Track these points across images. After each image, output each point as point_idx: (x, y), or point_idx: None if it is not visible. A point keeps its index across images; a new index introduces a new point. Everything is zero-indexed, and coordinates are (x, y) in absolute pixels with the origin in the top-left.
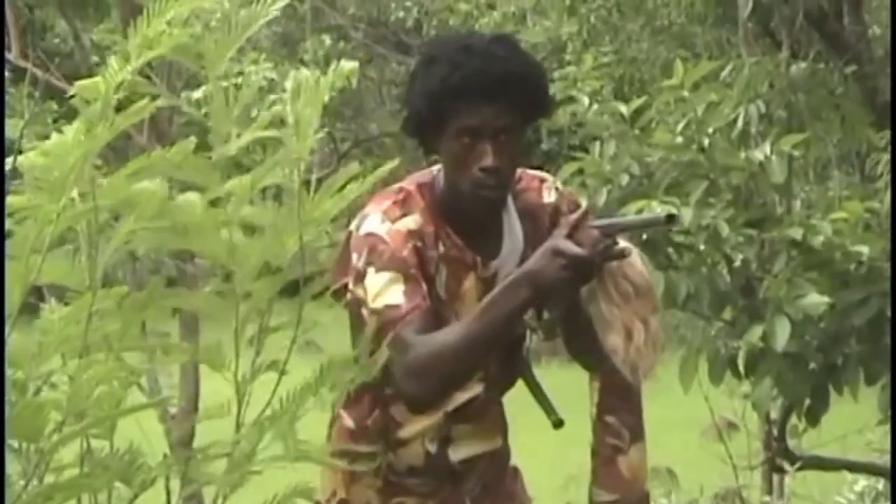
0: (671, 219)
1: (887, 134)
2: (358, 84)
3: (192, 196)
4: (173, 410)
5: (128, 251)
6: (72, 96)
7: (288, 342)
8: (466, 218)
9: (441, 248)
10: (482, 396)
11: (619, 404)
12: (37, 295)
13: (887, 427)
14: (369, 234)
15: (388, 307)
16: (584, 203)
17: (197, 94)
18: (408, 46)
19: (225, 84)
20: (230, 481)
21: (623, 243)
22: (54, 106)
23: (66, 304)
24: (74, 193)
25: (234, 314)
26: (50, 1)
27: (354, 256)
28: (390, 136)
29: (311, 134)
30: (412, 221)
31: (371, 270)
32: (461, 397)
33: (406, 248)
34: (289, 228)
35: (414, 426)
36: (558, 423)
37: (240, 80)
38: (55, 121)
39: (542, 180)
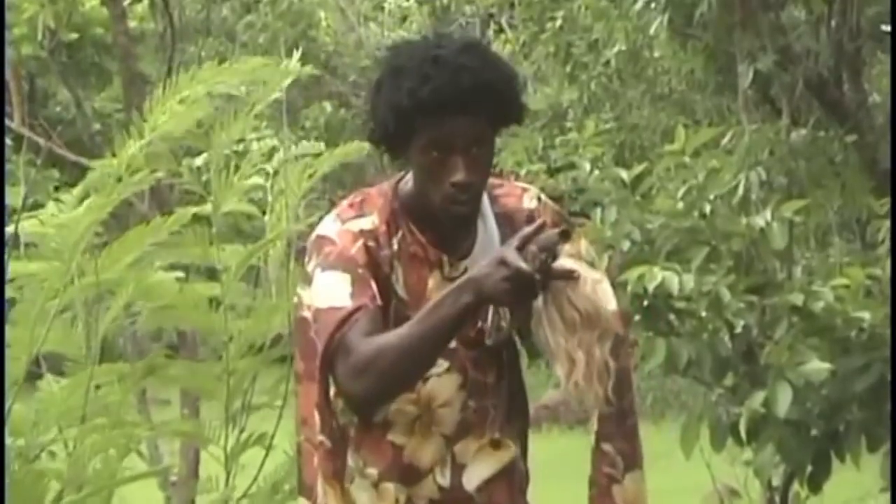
0: (564, 235)
1: (887, 201)
2: None
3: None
4: (174, 478)
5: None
6: (75, 164)
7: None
8: (434, 218)
9: (395, 246)
10: (472, 405)
11: (614, 431)
12: (34, 363)
13: (889, 494)
14: (319, 237)
15: (333, 309)
16: (565, 215)
17: (198, 161)
18: None
19: (226, 152)
20: None
21: (585, 270)
22: (56, 174)
23: (62, 374)
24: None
25: (225, 390)
26: (52, 69)
27: (306, 260)
28: None
29: (292, 217)
30: (366, 222)
31: (318, 271)
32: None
33: (354, 246)
34: (276, 308)
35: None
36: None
37: (240, 147)
38: (56, 188)
39: (525, 189)
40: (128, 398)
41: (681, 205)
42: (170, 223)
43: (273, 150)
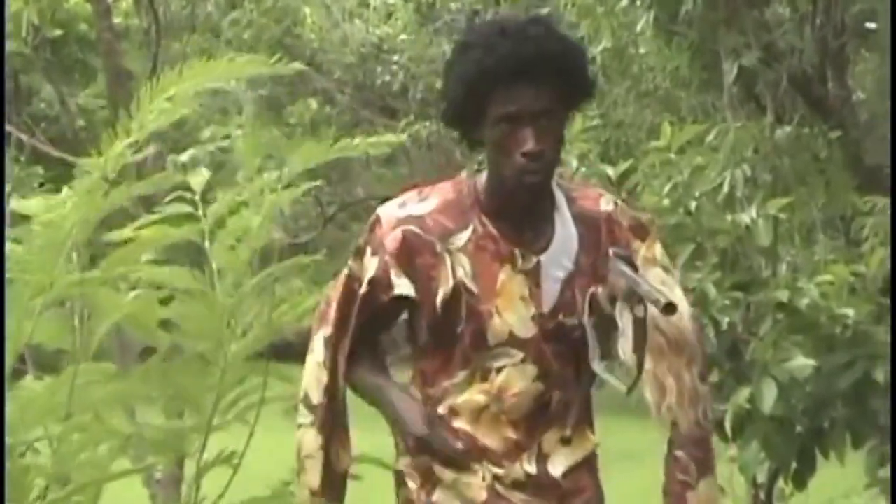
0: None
1: (871, 198)
2: None
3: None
4: (158, 476)
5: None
6: (59, 160)
7: (273, 409)
8: (508, 208)
9: (462, 240)
10: (556, 398)
11: (687, 439)
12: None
13: (873, 491)
14: (376, 215)
15: (364, 294)
16: (646, 221)
17: (183, 157)
18: (394, 110)
19: (211, 148)
20: None
21: (669, 288)
22: (40, 170)
23: (46, 370)
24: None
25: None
26: (36, 66)
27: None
28: (377, 200)
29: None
30: (421, 207)
31: (368, 251)
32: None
33: (391, 234)
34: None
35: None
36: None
37: (226, 143)
38: (41, 185)
39: (601, 193)
40: (114, 395)
41: (666, 201)
42: (160, 238)
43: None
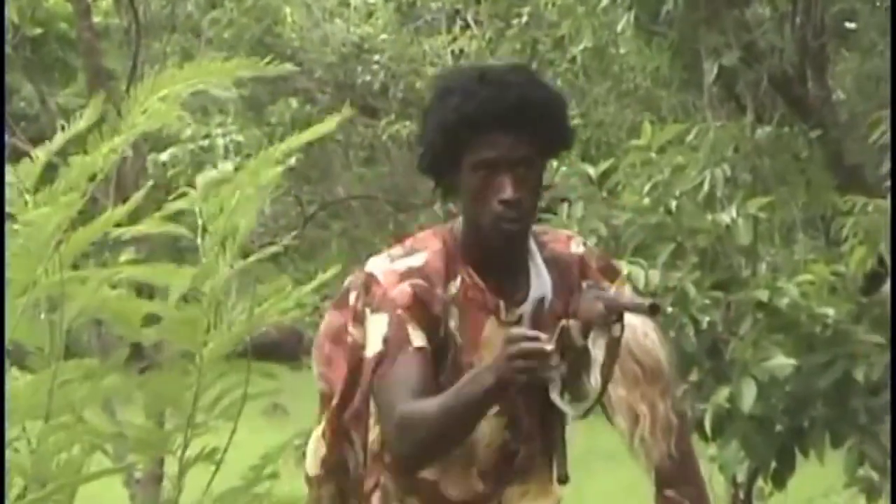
0: (654, 309)
1: (851, 198)
2: (325, 147)
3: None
4: (138, 475)
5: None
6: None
7: (255, 408)
8: (488, 258)
9: (453, 290)
10: (522, 452)
11: (676, 476)
12: None
13: (853, 490)
14: (367, 275)
15: (376, 354)
16: (613, 261)
17: (164, 156)
18: (374, 110)
19: (192, 146)
20: None
21: (638, 320)
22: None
23: (24, 367)
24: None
25: (190, 401)
26: (16, 65)
27: (352, 295)
28: (357, 199)
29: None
30: (418, 259)
31: (368, 312)
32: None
33: (397, 288)
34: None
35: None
36: (564, 479)
37: (206, 142)
38: None
39: (570, 236)
40: (93, 395)
41: (647, 201)
42: (128, 208)
43: (239, 144)
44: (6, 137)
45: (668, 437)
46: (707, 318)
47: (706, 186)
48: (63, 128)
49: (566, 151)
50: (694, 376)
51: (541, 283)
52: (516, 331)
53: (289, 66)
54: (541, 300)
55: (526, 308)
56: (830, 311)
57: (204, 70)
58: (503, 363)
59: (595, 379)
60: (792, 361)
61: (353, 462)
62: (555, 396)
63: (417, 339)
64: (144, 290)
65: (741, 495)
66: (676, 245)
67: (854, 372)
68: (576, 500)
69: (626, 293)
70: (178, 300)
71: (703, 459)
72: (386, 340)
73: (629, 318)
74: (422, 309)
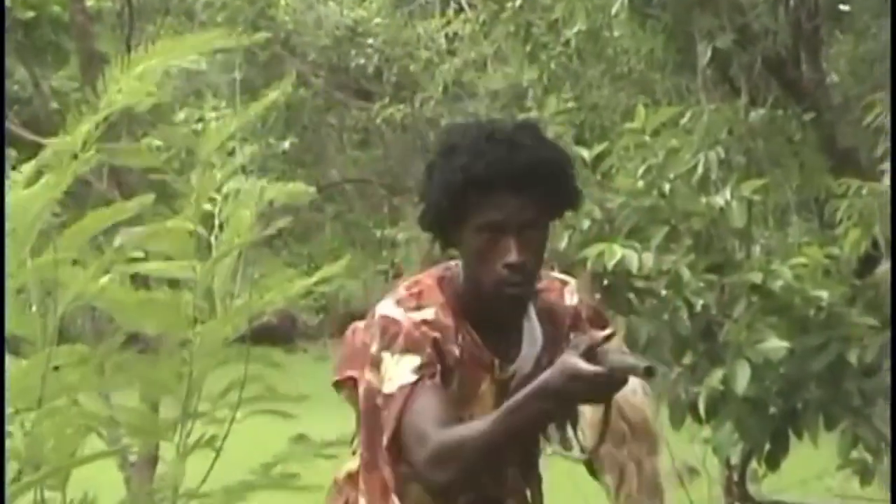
0: (649, 371)
1: (845, 180)
2: (318, 130)
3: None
4: (133, 458)
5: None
6: (32, 143)
7: (251, 392)
8: (487, 316)
9: (460, 346)
10: (491, 493)
11: None
12: None
13: (846, 472)
14: (384, 317)
15: (402, 388)
16: (603, 311)
17: (157, 140)
18: (368, 93)
19: (185, 131)
20: None
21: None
22: (13, 153)
23: (17, 353)
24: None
25: (184, 387)
26: (9, 48)
27: (370, 341)
28: (351, 183)
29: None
30: (429, 313)
31: (387, 355)
32: None
33: (420, 331)
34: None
35: None
36: None
37: (200, 126)
38: (14, 167)
39: (564, 283)
40: (87, 380)
41: (641, 184)
42: (131, 206)
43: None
44: None
45: (654, 498)
46: (701, 301)
47: (700, 169)
48: (56, 111)
49: (573, 211)
50: (688, 359)
51: (533, 339)
52: (583, 366)
53: (262, 35)
54: (530, 356)
55: (520, 365)
56: (824, 294)
57: (180, 45)
58: (569, 394)
59: (585, 435)
60: (786, 344)
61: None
62: (554, 447)
63: (439, 378)
64: (139, 277)
65: (735, 477)
66: (670, 228)
67: (847, 354)
68: None
69: (618, 352)
70: (170, 287)
71: (697, 441)
72: (415, 371)
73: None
74: (441, 358)
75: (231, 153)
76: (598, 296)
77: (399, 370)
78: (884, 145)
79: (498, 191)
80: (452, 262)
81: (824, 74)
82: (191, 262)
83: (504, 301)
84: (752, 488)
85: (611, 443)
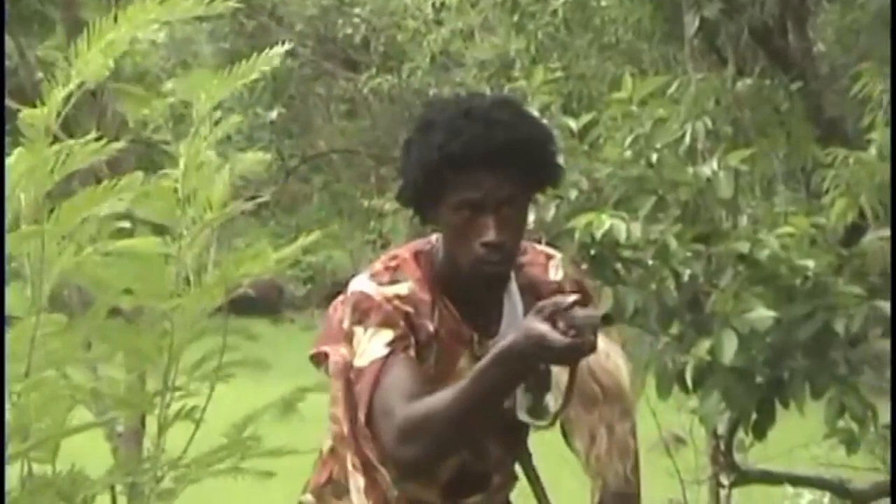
0: (606, 319)
1: (832, 150)
2: (305, 100)
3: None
4: (120, 429)
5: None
6: (18, 113)
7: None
8: (466, 292)
9: (437, 321)
10: (496, 480)
11: (614, 497)
12: None
13: (833, 441)
14: (356, 292)
15: (373, 363)
16: (587, 283)
17: (144, 110)
18: (355, 63)
19: (171, 100)
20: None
21: (606, 342)
22: None
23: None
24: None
25: (165, 357)
26: None
27: (333, 316)
28: (338, 153)
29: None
30: (404, 288)
31: (359, 330)
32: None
33: (393, 306)
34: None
35: None
36: None
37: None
38: None
39: (549, 256)
40: (73, 351)
41: (628, 154)
42: (123, 186)
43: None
44: None
45: (625, 460)
46: (688, 271)
47: (687, 139)
48: (43, 80)
49: (553, 187)
50: (675, 329)
51: (514, 314)
52: (550, 334)
53: (231, 4)
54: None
55: (499, 340)
56: (811, 263)
57: (148, 10)
58: (535, 358)
59: (556, 401)
60: (772, 313)
61: (384, 483)
62: (522, 415)
63: (412, 351)
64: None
65: (722, 446)
66: (658, 198)
67: (834, 323)
68: None
69: (582, 311)
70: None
71: (684, 411)
72: (388, 345)
73: (604, 344)
74: (414, 333)
75: (217, 123)
76: (584, 266)
77: (371, 345)
78: (870, 115)
79: (475, 169)
80: (434, 236)
81: (811, 44)
82: (168, 235)
83: (482, 279)
84: (738, 457)
85: (581, 407)
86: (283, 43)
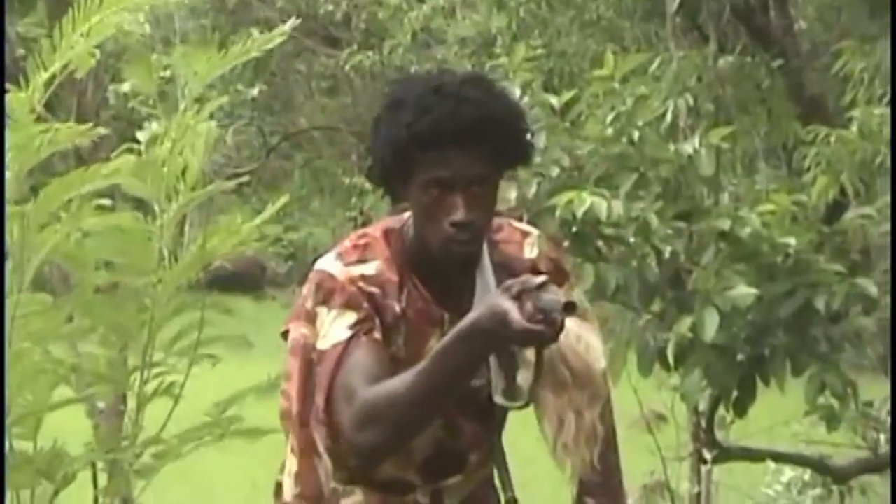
0: (567, 307)
1: (813, 127)
2: (287, 77)
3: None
4: (101, 405)
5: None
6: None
7: (217, 338)
8: (436, 271)
9: (404, 302)
10: (474, 458)
11: (599, 487)
12: None
13: (813, 418)
14: (320, 272)
15: (334, 346)
16: (564, 261)
17: (125, 87)
18: (336, 40)
19: (163, 75)
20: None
21: (579, 325)
22: None
23: None
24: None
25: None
26: None
27: (304, 295)
28: (319, 130)
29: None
30: (371, 268)
31: (323, 311)
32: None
33: (357, 287)
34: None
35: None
36: (511, 501)
37: (167, 73)
38: None
39: (525, 234)
40: (57, 328)
41: (610, 131)
42: (111, 170)
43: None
44: None
45: (592, 447)
46: (669, 248)
47: (669, 116)
48: (23, 57)
49: (525, 166)
50: (656, 306)
51: (486, 294)
52: (514, 313)
53: None
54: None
55: None
56: (792, 241)
57: None
58: (499, 337)
59: (526, 381)
60: (753, 291)
61: (322, 472)
62: (497, 398)
63: (377, 334)
64: None
65: (703, 423)
66: (639, 175)
67: (815, 301)
68: None
69: (551, 293)
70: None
71: (665, 388)
72: (351, 328)
73: (576, 327)
74: (379, 314)
75: (199, 99)
76: (566, 243)
77: (334, 327)
78: (852, 93)
79: (444, 147)
80: (406, 214)
81: (793, 21)
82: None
83: (452, 258)
84: (719, 434)
85: (550, 390)
86: (283, 23)
